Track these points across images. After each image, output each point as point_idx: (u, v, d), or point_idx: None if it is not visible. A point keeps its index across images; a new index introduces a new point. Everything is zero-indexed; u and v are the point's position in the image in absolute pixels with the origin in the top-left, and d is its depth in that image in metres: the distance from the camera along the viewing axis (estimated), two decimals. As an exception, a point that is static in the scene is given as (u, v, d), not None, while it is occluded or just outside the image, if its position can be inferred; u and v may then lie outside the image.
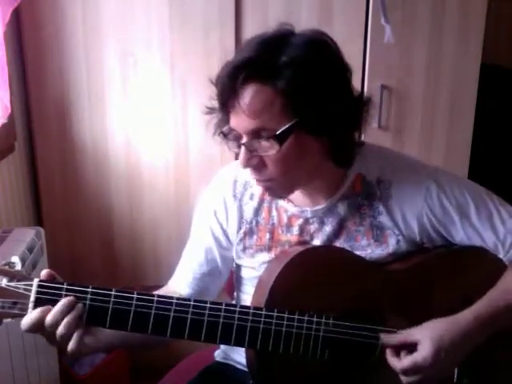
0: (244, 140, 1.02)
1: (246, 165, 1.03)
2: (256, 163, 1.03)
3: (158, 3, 1.88)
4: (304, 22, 1.92)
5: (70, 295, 0.94)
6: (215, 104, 1.06)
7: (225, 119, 1.05)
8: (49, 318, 0.92)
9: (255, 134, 1.00)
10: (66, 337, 0.94)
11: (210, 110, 1.09)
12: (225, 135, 1.07)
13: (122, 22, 1.90)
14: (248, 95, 0.97)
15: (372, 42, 1.94)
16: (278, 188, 1.08)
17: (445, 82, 2.01)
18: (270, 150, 1.00)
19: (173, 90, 1.96)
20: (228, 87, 0.98)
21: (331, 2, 1.92)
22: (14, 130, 1.87)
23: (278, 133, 0.98)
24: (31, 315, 0.92)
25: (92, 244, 2.10)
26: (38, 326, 0.93)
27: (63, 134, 1.99)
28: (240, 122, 1.00)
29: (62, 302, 0.93)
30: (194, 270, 1.23)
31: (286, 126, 0.98)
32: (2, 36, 1.69)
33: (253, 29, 1.91)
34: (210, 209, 1.22)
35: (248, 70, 0.96)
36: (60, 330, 0.93)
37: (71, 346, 0.95)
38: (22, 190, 1.99)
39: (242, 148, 1.02)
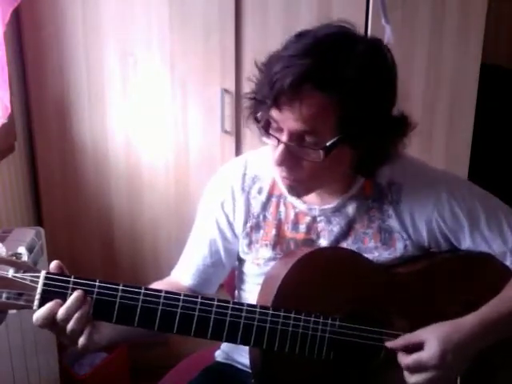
0: (285, 138, 1.00)
1: (282, 163, 1.02)
2: (291, 163, 1.02)
3: (157, 3, 1.88)
4: (304, 22, 1.91)
5: (77, 288, 0.93)
6: (256, 88, 1.03)
7: (263, 107, 1.01)
8: (61, 312, 0.92)
9: (299, 137, 0.99)
10: (78, 331, 0.94)
11: (253, 98, 1.05)
12: (258, 121, 1.04)
13: (122, 22, 1.90)
14: (308, 101, 0.95)
15: (372, 42, 1.94)
16: (301, 188, 1.08)
17: (445, 82, 2.02)
18: (312, 157, 0.99)
19: (173, 90, 1.96)
20: (289, 91, 0.94)
21: (331, 2, 1.92)
22: (14, 130, 1.87)
23: (328, 144, 0.97)
24: (43, 309, 0.92)
25: (92, 244, 2.10)
26: (50, 320, 0.92)
27: (63, 134, 1.99)
28: (289, 120, 0.97)
29: (74, 296, 0.93)
30: (197, 262, 1.23)
31: (336, 139, 0.97)
32: (2, 36, 1.69)
33: (253, 29, 1.91)
34: (217, 200, 1.21)
35: (314, 80, 0.93)
36: (71, 324, 0.92)
37: (82, 341, 0.94)
38: (22, 190, 1.99)
39: (282, 146, 1.00)
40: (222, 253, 1.22)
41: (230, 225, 1.20)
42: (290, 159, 1.01)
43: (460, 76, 2.01)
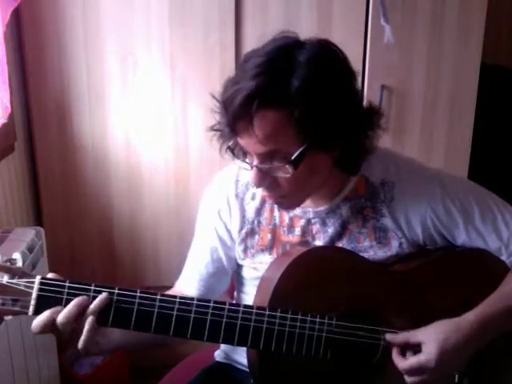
0: (255, 162, 1.01)
1: (259, 185, 1.03)
2: (268, 183, 1.03)
3: (157, 3, 1.88)
4: (304, 22, 1.93)
5: (72, 293, 0.93)
6: (219, 118, 1.04)
7: (231, 136, 1.03)
8: (61, 317, 0.91)
9: (267, 157, 0.99)
10: (79, 331, 0.93)
11: (216, 129, 1.07)
12: (231, 150, 1.05)
13: (121, 22, 1.90)
14: (261, 122, 0.95)
15: (372, 42, 1.94)
16: (289, 203, 1.09)
17: (445, 82, 2.02)
18: (283, 172, 1.00)
19: (173, 90, 1.96)
20: (240, 114, 0.95)
21: (331, 2, 1.92)
22: (14, 130, 1.87)
23: (292, 158, 0.97)
24: (42, 316, 0.91)
25: (92, 244, 2.10)
26: (49, 327, 0.91)
27: (63, 133, 1.99)
28: (251, 144, 0.99)
29: (75, 302, 0.92)
30: (199, 271, 1.23)
31: (300, 150, 0.97)
32: (2, 36, 1.69)
33: (253, 29, 1.91)
34: (214, 208, 1.21)
35: (261, 98, 0.93)
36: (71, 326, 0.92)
37: (82, 341, 0.93)
38: (22, 190, 1.99)
39: (254, 169, 1.01)
40: (224, 260, 1.23)
41: (229, 232, 1.21)
42: (266, 179, 1.02)
43: (460, 76, 2.01)
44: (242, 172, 1.20)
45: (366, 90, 1.97)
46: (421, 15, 1.94)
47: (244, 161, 1.04)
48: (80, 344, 0.93)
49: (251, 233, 1.19)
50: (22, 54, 1.92)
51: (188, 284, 1.24)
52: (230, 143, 1.05)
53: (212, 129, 1.08)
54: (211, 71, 1.93)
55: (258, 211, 1.18)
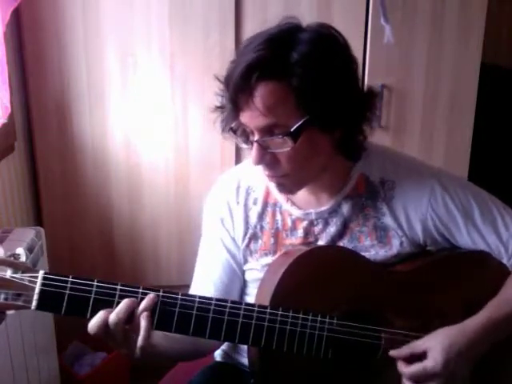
0: (256, 137, 1.02)
1: (259, 162, 1.03)
2: (269, 160, 1.03)
3: (157, 3, 1.89)
4: (304, 22, 1.92)
5: (74, 288, 0.93)
6: (221, 100, 1.06)
7: (233, 115, 1.04)
8: (112, 317, 0.91)
9: (268, 131, 1.00)
10: (132, 333, 0.92)
11: (219, 108, 1.08)
12: (234, 131, 1.07)
13: (122, 22, 1.90)
14: (261, 93, 0.97)
15: (372, 42, 1.94)
16: (290, 183, 1.09)
17: (445, 82, 2.02)
18: (283, 146, 1.00)
19: (173, 90, 1.96)
20: (241, 86, 0.98)
21: (331, 2, 1.92)
22: (14, 130, 1.87)
23: (291, 130, 0.98)
24: (95, 318, 0.91)
25: (92, 244, 2.10)
26: (103, 328, 0.91)
27: (63, 133, 1.99)
28: (252, 118, 1.00)
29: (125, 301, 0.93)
30: (214, 283, 1.21)
31: (299, 123, 0.98)
32: (2, 36, 1.69)
33: (253, 29, 1.88)
34: (217, 218, 1.21)
35: (261, 69, 0.96)
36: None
37: (141, 339, 0.92)
38: (22, 190, 1.99)
39: (255, 145, 1.02)
40: (236, 267, 1.21)
41: (233, 239, 1.21)
42: (267, 156, 1.03)
43: (460, 76, 2.01)
44: (243, 177, 1.20)
45: (365, 89, 1.97)
46: (421, 15, 1.95)
47: (245, 141, 1.06)
48: (139, 342, 0.92)
49: (254, 237, 1.18)
50: (21, 54, 1.92)
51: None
52: (232, 124, 1.06)
53: (216, 107, 1.09)
54: (211, 71, 1.92)
55: (260, 216, 1.18)
